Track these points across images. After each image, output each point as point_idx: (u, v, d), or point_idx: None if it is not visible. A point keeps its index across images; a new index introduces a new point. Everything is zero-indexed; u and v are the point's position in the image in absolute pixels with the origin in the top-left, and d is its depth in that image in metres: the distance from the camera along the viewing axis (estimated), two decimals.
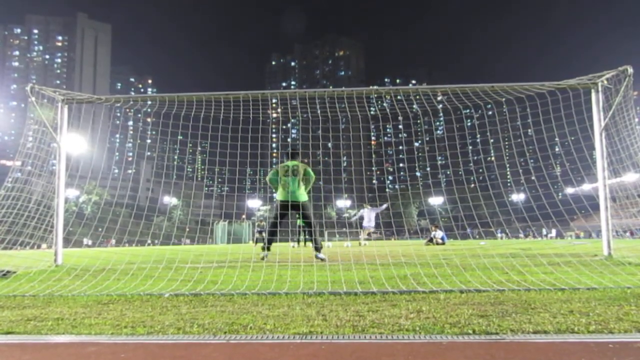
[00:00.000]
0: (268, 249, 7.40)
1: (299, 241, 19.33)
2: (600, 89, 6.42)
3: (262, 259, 7.13)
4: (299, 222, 19.17)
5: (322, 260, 6.79)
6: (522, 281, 3.71)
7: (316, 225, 7.41)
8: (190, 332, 2.19)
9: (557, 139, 7.24)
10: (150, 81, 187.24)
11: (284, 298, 3.18)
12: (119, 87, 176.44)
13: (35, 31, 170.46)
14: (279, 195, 7.41)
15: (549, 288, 3.27)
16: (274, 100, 7.61)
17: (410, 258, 7.06)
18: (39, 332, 2.25)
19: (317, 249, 7.12)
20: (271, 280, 4.19)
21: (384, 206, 18.63)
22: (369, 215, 17.81)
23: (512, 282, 3.68)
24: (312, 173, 7.49)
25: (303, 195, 7.38)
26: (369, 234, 18.22)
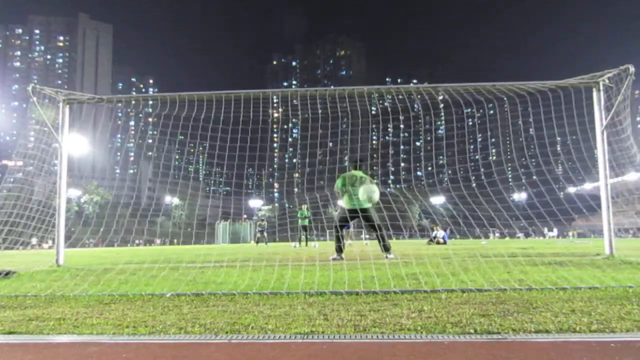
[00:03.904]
0: (342, 250, 7.52)
1: (300, 241, 19.49)
2: (601, 88, 6.40)
3: (341, 258, 7.20)
4: (301, 222, 19.35)
5: (392, 259, 6.89)
6: (524, 280, 3.71)
7: (382, 229, 7.47)
8: (192, 331, 2.20)
9: (558, 138, 7.22)
10: (151, 81, 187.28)
11: (285, 298, 3.17)
12: (120, 87, 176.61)
13: (37, 31, 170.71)
14: (346, 204, 7.63)
15: (550, 287, 3.27)
16: (275, 100, 7.60)
17: (412, 258, 7.05)
18: (40, 332, 2.25)
19: (386, 249, 7.27)
20: (272, 280, 4.20)
21: None
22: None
23: (513, 281, 3.67)
24: (375, 189, 7.56)
25: (367, 203, 7.54)
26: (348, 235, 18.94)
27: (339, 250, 7.48)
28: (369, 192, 7.40)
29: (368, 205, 7.50)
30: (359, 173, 7.74)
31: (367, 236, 19.26)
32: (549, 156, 7.37)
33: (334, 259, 7.12)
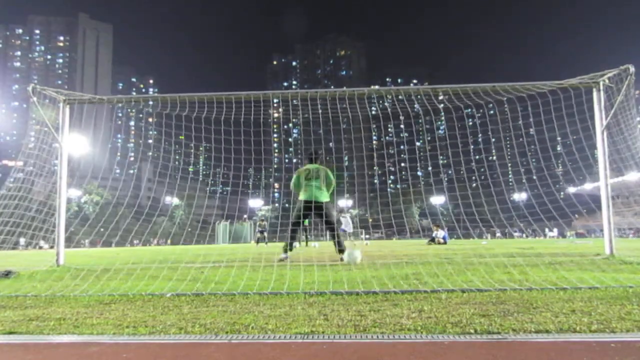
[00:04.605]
0: (290, 249, 7.29)
1: (300, 241, 19.47)
2: (601, 88, 6.40)
3: (281, 260, 6.86)
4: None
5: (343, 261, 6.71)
6: (524, 280, 3.71)
7: (339, 228, 7.25)
8: (192, 331, 2.20)
9: (558, 138, 7.22)
10: (151, 81, 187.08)
11: (285, 298, 3.17)
12: (120, 88, 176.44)
13: (37, 31, 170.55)
14: (301, 196, 7.37)
15: (550, 287, 3.27)
16: (275, 101, 7.61)
17: (412, 258, 7.05)
18: (41, 332, 2.25)
19: (341, 251, 6.95)
20: (273, 280, 4.19)
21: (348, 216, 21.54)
22: (346, 221, 20.27)
23: (514, 281, 3.67)
24: (332, 177, 7.47)
25: (325, 196, 7.33)
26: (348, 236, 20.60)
27: (288, 249, 7.21)
28: (327, 182, 7.23)
29: (326, 199, 7.26)
30: (313, 166, 7.52)
31: (367, 236, 19.55)
32: (550, 157, 7.38)
33: (279, 260, 6.77)
